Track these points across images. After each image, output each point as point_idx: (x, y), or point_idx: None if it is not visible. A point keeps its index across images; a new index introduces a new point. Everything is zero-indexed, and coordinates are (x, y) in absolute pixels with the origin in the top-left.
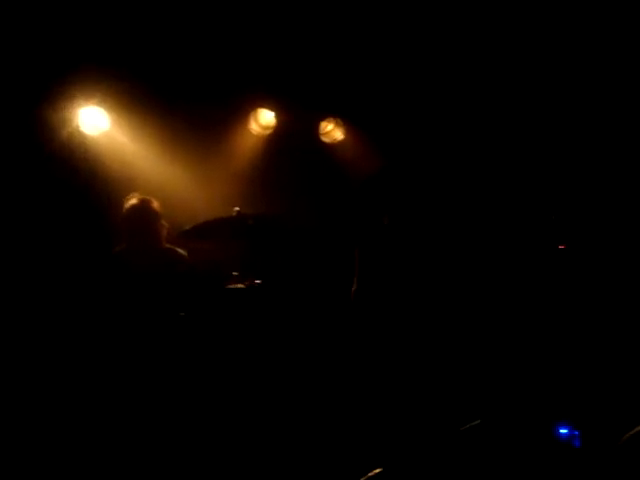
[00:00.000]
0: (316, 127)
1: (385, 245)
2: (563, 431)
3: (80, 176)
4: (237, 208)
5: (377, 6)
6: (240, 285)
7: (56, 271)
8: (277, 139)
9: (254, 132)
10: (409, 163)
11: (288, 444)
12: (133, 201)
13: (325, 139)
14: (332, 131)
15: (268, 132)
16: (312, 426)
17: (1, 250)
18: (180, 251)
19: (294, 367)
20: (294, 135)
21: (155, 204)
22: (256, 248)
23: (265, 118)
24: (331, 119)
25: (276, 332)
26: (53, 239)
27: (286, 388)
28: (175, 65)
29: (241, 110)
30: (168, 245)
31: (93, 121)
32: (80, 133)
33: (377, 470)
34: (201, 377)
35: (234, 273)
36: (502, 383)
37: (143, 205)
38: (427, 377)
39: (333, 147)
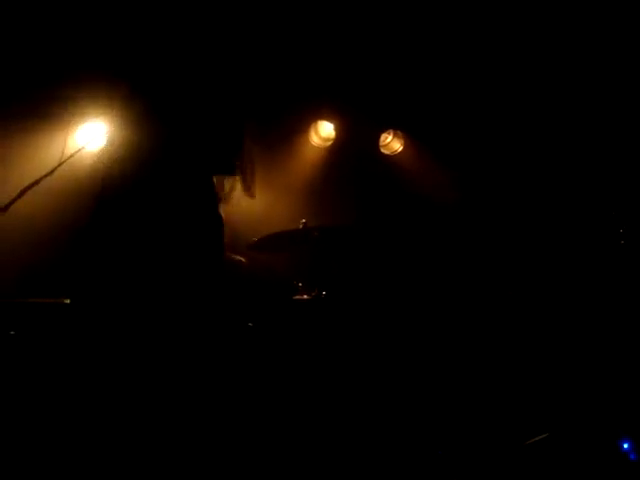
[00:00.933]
0: (376, 139)
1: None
2: (625, 445)
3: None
4: (303, 220)
5: (438, 19)
6: (305, 296)
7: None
8: (337, 151)
9: (314, 144)
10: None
11: (363, 452)
12: None
13: (385, 151)
14: (391, 143)
15: (328, 144)
16: (386, 436)
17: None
18: (238, 258)
19: (358, 378)
20: (354, 147)
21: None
22: (322, 260)
23: (325, 130)
24: (390, 131)
25: (341, 344)
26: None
27: (352, 398)
28: (237, 77)
29: (301, 122)
30: (227, 253)
31: None
32: None
33: None
34: (267, 387)
35: (299, 284)
36: (571, 397)
37: None
38: (496, 390)
39: (393, 159)
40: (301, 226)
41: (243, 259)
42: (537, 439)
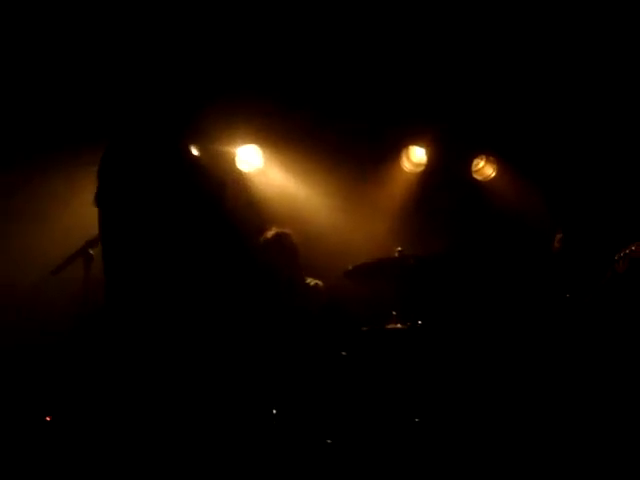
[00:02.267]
0: (468, 164)
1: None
2: None
3: (236, 212)
4: (399, 248)
5: (534, 42)
6: (400, 325)
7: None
8: (429, 177)
9: (406, 169)
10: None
11: None
12: (270, 234)
13: (477, 176)
14: (483, 168)
15: (420, 169)
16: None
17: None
18: (315, 282)
19: (457, 410)
20: (446, 173)
21: (293, 237)
22: (418, 288)
23: (417, 155)
24: (482, 156)
25: (437, 375)
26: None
27: (445, 430)
28: (328, 103)
29: (393, 147)
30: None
31: (248, 158)
32: (238, 170)
33: None
34: (361, 414)
35: (393, 312)
36: None
37: (279, 238)
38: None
39: (486, 185)
40: (397, 254)
41: (320, 282)
42: None
